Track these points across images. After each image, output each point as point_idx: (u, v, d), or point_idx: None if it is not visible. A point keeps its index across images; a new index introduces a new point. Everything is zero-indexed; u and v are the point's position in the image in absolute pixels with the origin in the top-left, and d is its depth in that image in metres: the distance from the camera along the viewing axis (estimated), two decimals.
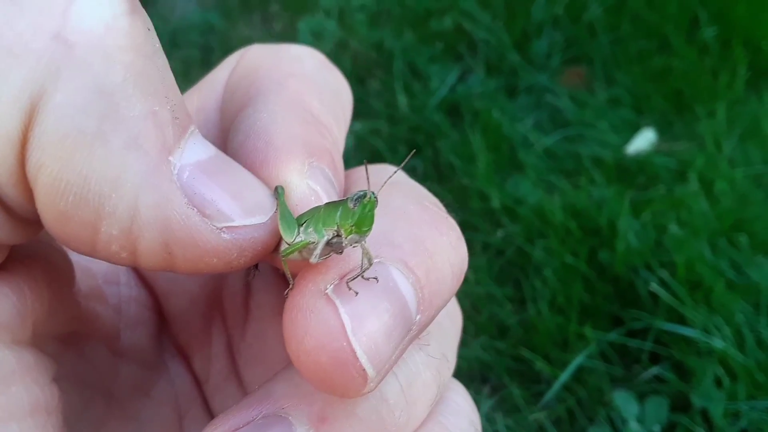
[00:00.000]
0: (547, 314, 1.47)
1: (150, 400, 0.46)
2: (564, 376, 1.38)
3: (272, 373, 0.37)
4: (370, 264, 0.33)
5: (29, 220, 0.33)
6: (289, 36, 2.25)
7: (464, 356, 1.43)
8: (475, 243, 1.64)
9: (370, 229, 0.33)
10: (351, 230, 0.32)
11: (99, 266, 0.46)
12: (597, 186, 1.69)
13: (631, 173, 1.75)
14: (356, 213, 0.32)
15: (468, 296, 1.54)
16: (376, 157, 1.76)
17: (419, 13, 2.27)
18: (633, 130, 1.86)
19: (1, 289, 0.33)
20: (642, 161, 1.76)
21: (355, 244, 0.33)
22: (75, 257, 0.41)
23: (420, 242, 0.35)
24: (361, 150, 1.85)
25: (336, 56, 2.11)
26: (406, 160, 0.35)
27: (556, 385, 1.38)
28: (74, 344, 0.42)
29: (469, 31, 2.19)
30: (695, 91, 1.95)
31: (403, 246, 0.35)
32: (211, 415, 0.47)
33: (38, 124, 0.29)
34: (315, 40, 2.19)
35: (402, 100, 1.99)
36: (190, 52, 2.20)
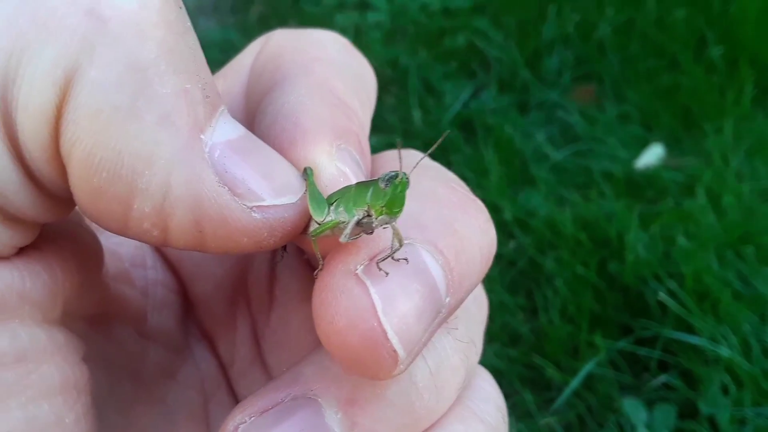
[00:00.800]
0: (558, 323, 1.49)
1: (176, 383, 0.45)
2: (574, 383, 1.40)
3: (297, 359, 0.37)
4: (401, 245, 0.32)
5: (61, 198, 0.32)
6: None
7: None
8: None
9: (401, 210, 0.32)
10: (382, 211, 0.32)
11: (126, 250, 0.46)
12: (607, 199, 1.71)
13: (640, 187, 1.76)
14: (387, 193, 0.32)
15: None
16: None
17: (433, 32, 2.30)
18: (642, 145, 1.88)
19: (33, 267, 0.33)
20: (651, 175, 1.78)
21: (386, 225, 0.33)
22: (101, 240, 0.41)
23: (449, 224, 0.35)
24: None
25: None
26: (437, 143, 0.34)
27: (567, 392, 1.39)
28: (102, 325, 0.42)
29: (482, 49, 2.22)
30: (703, 108, 1.96)
31: (432, 228, 0.34)
32: (236, 399, 0.47)
33: (72, 99, 0.29)
34: None
35: (417, 116, 2.02)
36: (212, 68, 2.22)
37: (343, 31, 2.30)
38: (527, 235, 1.67)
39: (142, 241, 0.33)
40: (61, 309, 0.35)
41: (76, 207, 0.33)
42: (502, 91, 2.11)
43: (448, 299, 0.33)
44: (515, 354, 1.48)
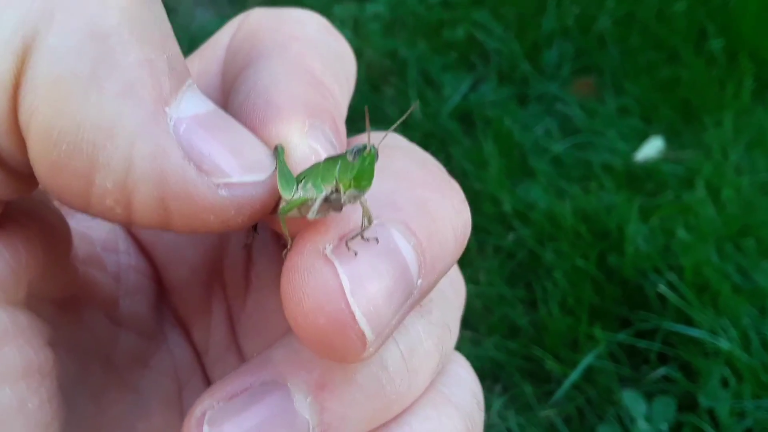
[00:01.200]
0: (558, 315, 1.49)
1: (149, 370, 0.44)
2: (574, 376, 1.40)
3: (272, 344, 0.36)
4: (370, 223, 0.31)
5: (23, 173, 0.31)
6: None
7: (477, 355, 1.46)
8: (487, 246, 1.66)
9: (369, 184, 0.31)
10: (350, 184, 0.31)
11: (97, 233, 0.45)
12: (606, 192, 1.71)
13: (640, 180, 1.77)
14: (355, 166, 0.31)
15: (480, 297, 1.56)
16: None
17: (432, 23, 2.30)
18: (641, 138, 1.88)
19: None
20: (650, 168, 1.78)
21: (354, 201, 0.32)
22: (72, 223, 0.40)
23: (422, 204, 0.34)
24: None
25: None
26: (407, 114, 0.33)
27: (566, 384, 1.40)
28: (72, 310, 0.41)
29: (482, 41, 2.21)
30: (702, 101, 1.97)
31: (404, 208, 0.33)
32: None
33: (31, 68, 0.28)
34: None
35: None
36: None
37: (341, 22, 2.31)
38: (527, 227, 1.67)
39: (107, 220, 0.32)
40: (25, 291, 0.34)
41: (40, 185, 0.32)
42: (502, 84, 2.10)
43: (420, 281, 0.32)
44: (515, 346, 1.48)
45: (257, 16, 0.42)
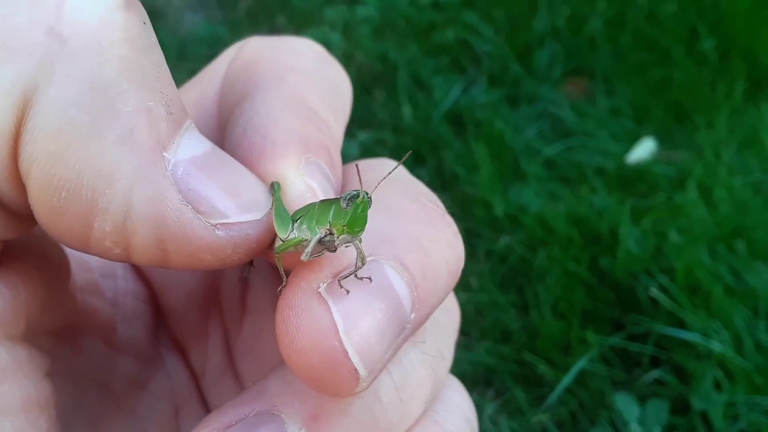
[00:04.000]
0: (550, 319, 1.49)
1: (147, 394, 0.45)
2: (566, 380, 1.39)
3: (269, 368, 0.36)
4: (364, 264, 0.32)
5: (23, 215, 0.32)
6: None
7: (469, 360, 1.45)
8: (478, 250, 1.66)
9: (362, 230, 0.32)
10: (343, 230, 0.32)
11: (95, 260, 0.45)
12: (598, 194, 1.71)
13: (632, 182, 1.76)
14: (348, 213, 0.32)
15: (472, 302, 1.56)
16: None
17: (423, 26, 2.29)
18: (633, 139, 1.87)
19: None
20: (642, 170, 1.78)
21: (348, 244, 0.32)
22: (70, 251, 0.40)
23: (416, 240, 0.35)
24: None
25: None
26: (404, 159, 0.35)
27: (559, 389, 1.39)
28: (70, 338, 0.42)
29: (472, 43, 2.21)
30: (694, 101, 1.96)
31: (398, 243, 0.34)
32: (207, 409, 0.47)
33: (31, 119, 0.29)
34: None
35: (407, 111, 2.01)
36: (199, 65, 2.20)
37: (331, 25, 2.30)
38: (518, 232, 1.66)
39: (105, 258, 0.32)
40: (23, 325, 0.34)
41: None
42: (493, 86, 2.10)
43: (413, 315, 0.33)
44: (507, 351, 1.47)
45: (254, 45, 0.42)
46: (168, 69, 0.32)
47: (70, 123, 0.29)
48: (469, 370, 1.43)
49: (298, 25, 2.39)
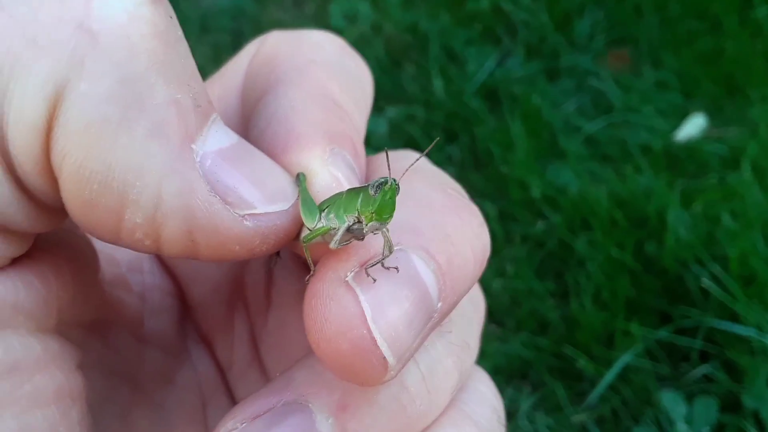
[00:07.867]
0: (591, 310, 1.44)
1: (174, 387, 0.47)
2: (609, 376, 1.34)
3: (294, 361, 0.37)
4: (391, 252, 0.33)
5: (54, 208, 0.33)
6: (320, 19, 2.22)
7: (504, 352, 1.41)
8: (514, 234, 1.62)
9: (390, 217, 0.33)
10: (372, 217, 0.33)
11: (122, 254, 0.47)
12: (644, 174, 1.66)
13: (680, 161, 1.72)
14: (377, 200, 0.33)
15: (507, 290, 1.52)
16: (411, 144, 1.74)
17: None
18: (682, 115, 1.83)
19: (26, 276, 0.34)
20: (692, 148, 1.73)
21: (376, 231, 0.33)
22: (98, 245, 0.42)
23: (442, 229, 0.36)
24: (395, 137, 1.82)
25: (369, 39, 2.09)
26: (429, 148, 0.36)
27: (602, 385, 1.34)
28: (99, 331, 0.43)
29: (508, 12, 2.15)
30: (747, 74, 1.91)
31: (424, 233, 0.35)
32: (234, 401, 0.48)
33: (63, 113, 0.30)
34: (347, 22, 2.16)
35: (438, 85, 1.96)
36: (221, 37, 2.18)
37: None
38: (557, 214, 1.62)
39: (135, 250, 0.34)
40: (55, 318, 0.36)
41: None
42: (530, 58, 2.05)
43: (440, 304, 0.34)
44: (544, 343, 1.43)
45: (275, 39, 0.44)
46: (194, 62, 0.34)
47: (101, 117, 0.30)
48: (504, 363, 1.40)
49: None
